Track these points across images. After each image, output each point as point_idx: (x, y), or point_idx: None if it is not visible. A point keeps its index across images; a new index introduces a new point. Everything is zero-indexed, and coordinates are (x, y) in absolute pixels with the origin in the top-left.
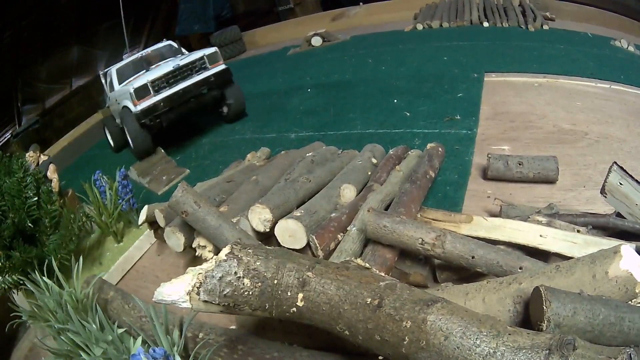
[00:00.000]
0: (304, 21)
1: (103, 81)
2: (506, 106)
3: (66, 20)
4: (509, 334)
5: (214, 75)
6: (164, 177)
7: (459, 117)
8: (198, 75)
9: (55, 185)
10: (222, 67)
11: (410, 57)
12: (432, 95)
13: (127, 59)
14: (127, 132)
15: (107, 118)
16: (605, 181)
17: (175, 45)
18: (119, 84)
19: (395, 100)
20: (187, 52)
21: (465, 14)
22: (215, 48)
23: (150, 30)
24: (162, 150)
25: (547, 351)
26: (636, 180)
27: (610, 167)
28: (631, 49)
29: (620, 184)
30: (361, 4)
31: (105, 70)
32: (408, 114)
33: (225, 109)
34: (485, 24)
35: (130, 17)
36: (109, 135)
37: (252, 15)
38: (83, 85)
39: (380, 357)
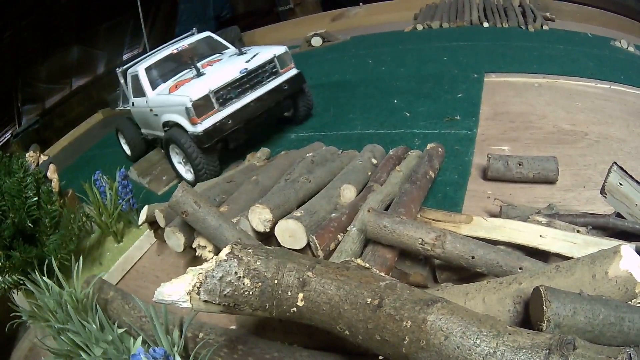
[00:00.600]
0: (303, 21)
1: (122, 81)
2: (506, 106)
3: (66, 20)
4: (509, 334)
5: (287, 82)
6: (164, 177)
7: (459, 118)
8: (269, 82)
9: (55, 185)
10: (295, 71)
11: (410, 57)
12: (432, 96)
13: (154, 56)
14: (189, 160)
15: (122, 122)
16: (605, 181)
17: (214, 37)
18: (153, 88)
19: (395, 101)
20: (233, 47)
21: (465, 15)
22: (286, 47)
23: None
24: (162, 151)
25: (547, 351)
26: (636, 181)
27: (610, 167)
28: (631, 49)
29: (620, 184)
30: (361, 4)
31: (125, 67)
32: (408, 114)
33: (288, 113)
34: (485, 25)
35: (130, 17)
36: (125, 144)
37: (252, 15)
38: (83, 86)
39: (380, 357)
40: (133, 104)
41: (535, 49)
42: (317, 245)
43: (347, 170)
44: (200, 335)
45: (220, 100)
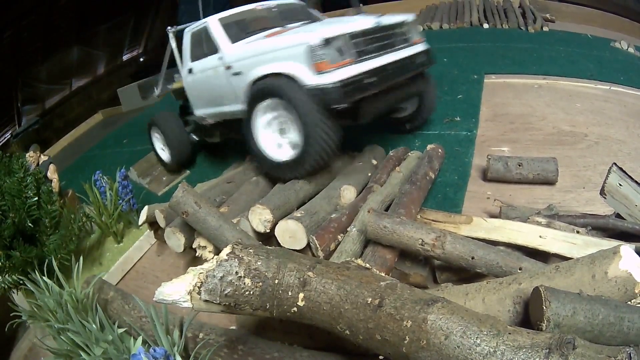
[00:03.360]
0: None
1: (173, 45)
2: (506, 108)
3: (66, 20)
4: (509, 333)
5: (419, 55)
6: (164, 178)
7: (458, 119)
8: (401, 49)
9: (55, 185)
10: (424, 46)
11: None
12: None
13: (231, 10)
14: (301, 126)
15: (161, 116)
16: (604, 182)
17: (303, 2)
18: (232, 42)
19: None
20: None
21: (465, 16)
22: (414, 15)
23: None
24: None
25: (547, 350)
26: (636, 182)
27: (610, 168)
28: (631, 50)
29: (620, 185)
30: (361, 5)
31: (181, 27)
32: None
33: (406, 113)
34: (485, 26)
35: (130, 17)
36: (163, 147)
37: None
38: (83, 86)
39: (380, 357)
40: (191, 70)
41: (535, 50)
42: (317, 246)
43: (347, 171)
44: (201, 335)
45: (358, 51)
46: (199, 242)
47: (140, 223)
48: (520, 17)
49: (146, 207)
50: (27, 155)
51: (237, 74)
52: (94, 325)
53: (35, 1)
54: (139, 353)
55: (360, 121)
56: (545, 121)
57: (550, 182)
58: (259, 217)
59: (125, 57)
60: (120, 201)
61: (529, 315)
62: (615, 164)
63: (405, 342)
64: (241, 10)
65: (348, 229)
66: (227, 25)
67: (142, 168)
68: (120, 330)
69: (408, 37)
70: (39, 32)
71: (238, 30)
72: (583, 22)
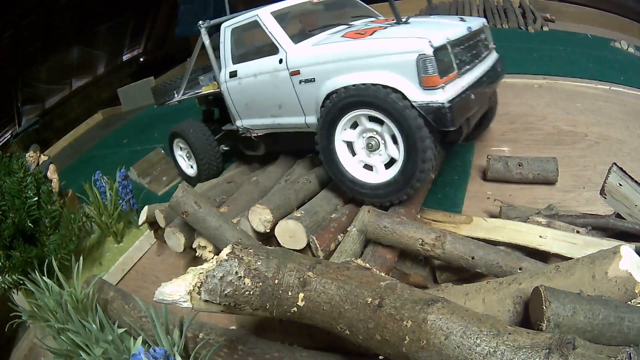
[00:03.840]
0: None
1: (206, 42)
2: (506, 107)
3: (66, 20)
4: (509, 334)
5: (499, 62)
6: (164, 178)
7: None
8: (486, 58)
9: (55, 185)
10: (497, 54)
11: None
12: None
13: (281, 3)
14: (413, 149)
15: (188, 125)
16: (604, 182)
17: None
18: (295, 40)
19: None
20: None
21: (465, 16)
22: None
23: (150, 31)
24: (162, 151)
25: (547, 350)
26: (636, 181)
27: (610, 168)
28: (631, 50)
29: (620, 185)
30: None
31: (216, 21)
32: None
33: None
34: None
35: (130, 17)
36: (187, 160)
37: None
38: (83, 86)
39: (380, 357)
40: (234, 74)
41: (535, 50)
42: (317, 246)
43: None
44: (201, 335)
45: (458, 62)
46: (199, 242)
47: (140, 223)
48: (520, 17)
49: (146, 207)
50: (27, 155)
51: (307, 81)
52: (94, 325)
53: (35, 1)
54: (139, 353)
55: (459, 141)
56: (545, 121)
57: (550, 182)
58: (259, 217)
59: (125, 57)
60: (120, 201)
61: (529, 315)
62: (615, 163)
63: (405, 342)
64: (293, 3)
65: (348, 229)
66: (281, 20)
67: (142, 168)
68: (120, 330)
69: (487, 43)
70: (39, 32)
71: (296, 28)
72: (583, 22)
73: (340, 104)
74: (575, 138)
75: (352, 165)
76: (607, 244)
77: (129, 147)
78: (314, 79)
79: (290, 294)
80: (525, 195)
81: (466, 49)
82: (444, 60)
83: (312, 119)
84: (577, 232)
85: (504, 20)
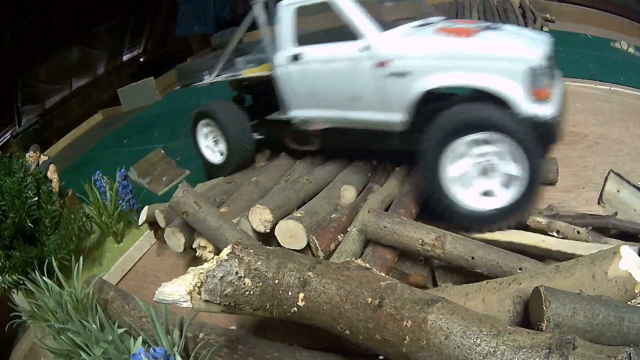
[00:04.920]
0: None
1: (260, 18)
2: None
3: (66, 20)
4: (509, 333)
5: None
6: (164, 178)
7: None
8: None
9: (55, 185)
10: None
11: None
12: None
13: None
14: (524, 164)
15: (217, 107)
16: (602, 190)
17: None
18: (379, 28)
19: None
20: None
21: (465, 16)
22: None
23: (150, 31)
24: (162, 151)
25: (547, 350)
26: (634, 185)
27: (607, 176)
28: (631, 50)
29: (618, 191)
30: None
31: None
32: None
33: None
34: None
35: (130, 17)
36: (213, 147)
37: None
38: (83, 86)
39: (380, 357)
40: (297, 57)
41: None
42: (318, 246)
43: (347, 171)
44: (201, 335)
45: (552, 75)
46: (199, 242)
47: (140, 223)
48: (520, 17)
49: (146, 207)
50: (27, 155)
51: (398, 74)
52: (94, 325)
53: (35, 1)
54: (139, 353)
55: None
56: None
57: (550, 182)
58: (259, 217)
59: (125, 57)
60: (120, 201)
61: (529, 315)
62: (612, 170)
63: (405, 342)
64: None
65: (348, 229)
66: (360, 5)
67: (142, 168)
68: (120, 330)
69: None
70: (39, 32)
71: (375, 16)
72: (583, 22)
73: (454, 124)
74: (575, 138)
75: (465, 191)
76: (608, 247)
77: (129, 147)
78: (406, 73)
79: (290, 294)
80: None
81: (550, 67)
82: (549, 72)
83: (394, 117)
84: (578, 232)
85: (503, 20)
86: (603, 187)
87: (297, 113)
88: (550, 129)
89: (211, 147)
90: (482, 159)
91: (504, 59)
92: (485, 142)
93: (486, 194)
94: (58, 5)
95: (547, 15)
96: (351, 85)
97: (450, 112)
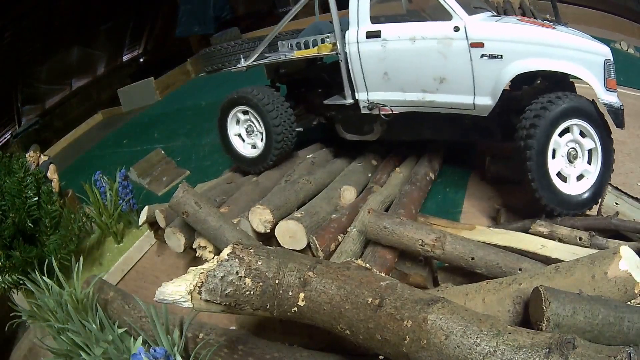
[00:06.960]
0: (303, 23)
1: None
2: None
3: (66, 20)
4: (509, 333)
5: None
6: (164, 178)
7: None
8: None
9: (55, 185)
10: None
11: None
12: None
13: None
14: (602, 155)
15: (259, 92)
16: (600, 205)
17: None
18: (468, 11)
19: None
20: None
21: None
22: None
23: (150, 31)
24: (162, 151)
25: (547, 350)
26: (632, 197)
27: (604, 189)
28: (631, 51)
29: (617, 203)
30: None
31: None
32: None
33: None
34: None
35: (130, 17)
36: (251, 131)
37: (252, 16)
38: (83, 86)
39: (380, 357)
40: (374, 34)
41: None
42: (318, 246)
43: (347, 172)
44: (201, 335)
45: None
46: (199, 242)
47: (140, 223)
48: None
49: (146, 207)
50: (27, 155)
51: (492, 56)
52: (94, 325)
53: (35, 1)
54: (139, 353)
55: None
56: None
57: None
58: (259, 218)
59: (125, 57)
60: (120, 201)
61: (529, 315)
62: (610, 184)
63: (406, 342)
64: None
65: (348, 230)
66: None
67: (142, 168)
68: (120, 330)
69: None
70: (39, 32)
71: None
72: (583, 23)
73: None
74: None
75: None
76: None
77: (129, 147)
78: (501, 55)
79: (290, 293)
80: (526, 195)
81: None
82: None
83: (482, 100)
84: (580, 238)
85: None
86: (601, 202)
87: (366, 96)
88: (620, 114)
89: (245, 139)
90: (572, 145)
91: (587, 51)
92: (567, 130)
93: (578, 178)
94: (58, 6)
95: (547, 16)
96: (439, 65)
97: (549, 101)
